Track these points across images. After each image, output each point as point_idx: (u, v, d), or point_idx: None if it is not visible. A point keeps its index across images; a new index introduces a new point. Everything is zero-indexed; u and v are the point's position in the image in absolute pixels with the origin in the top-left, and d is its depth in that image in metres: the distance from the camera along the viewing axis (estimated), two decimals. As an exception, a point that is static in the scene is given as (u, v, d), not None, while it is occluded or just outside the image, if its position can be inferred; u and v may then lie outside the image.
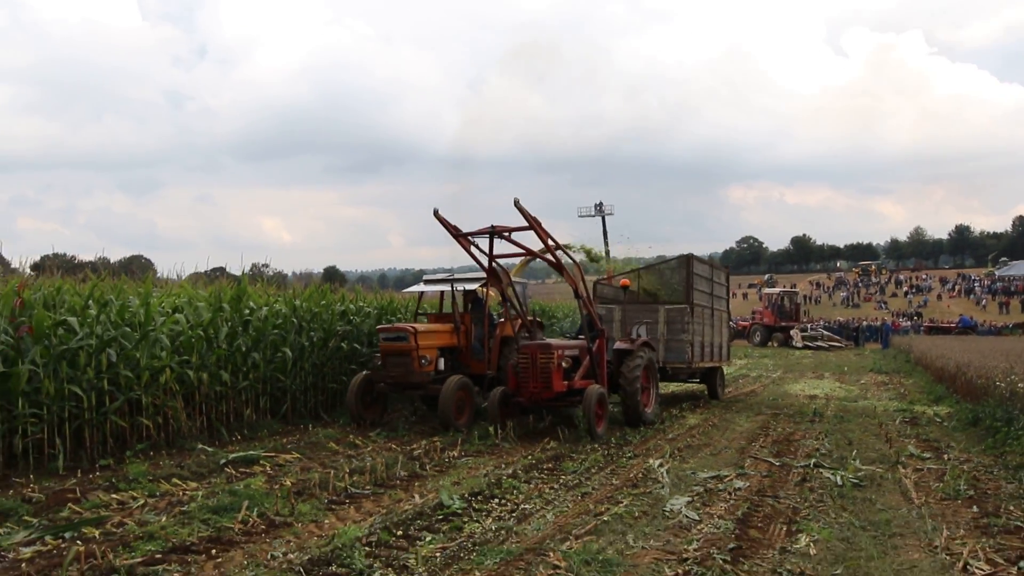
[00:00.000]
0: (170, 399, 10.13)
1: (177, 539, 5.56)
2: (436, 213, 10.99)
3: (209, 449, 9.22)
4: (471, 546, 5.45)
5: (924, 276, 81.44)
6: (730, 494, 7.18)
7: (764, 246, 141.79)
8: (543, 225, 10.65)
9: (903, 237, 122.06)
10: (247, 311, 11.69)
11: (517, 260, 16.03)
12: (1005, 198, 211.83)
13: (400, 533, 5.76)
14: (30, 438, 8.43)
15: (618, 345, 12.03)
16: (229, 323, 11.33)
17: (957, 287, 72.35)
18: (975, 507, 6.64)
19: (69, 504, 6.68)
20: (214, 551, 5.34)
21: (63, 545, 5.49)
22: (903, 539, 5.72)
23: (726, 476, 7.95)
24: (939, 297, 69.26)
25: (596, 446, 9.74)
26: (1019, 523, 6.06)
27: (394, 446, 9.67)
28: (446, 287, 13.08)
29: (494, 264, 11.37)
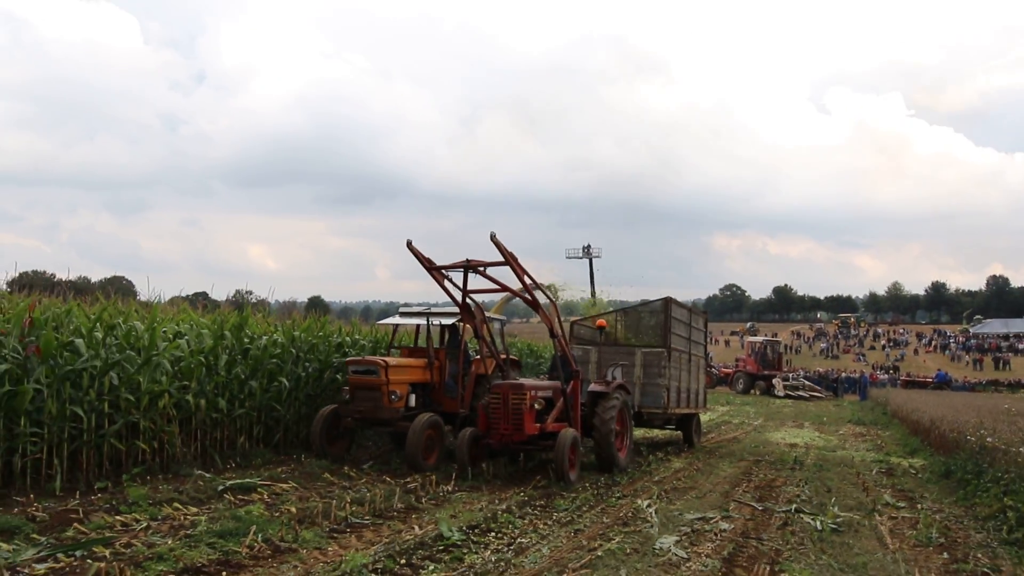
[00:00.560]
0: (167, 424, 10.29)
1: (187, 561, 5.76)
2: (409, 244, 10.68)
3: (207, 475, 9.37)
4: None
5: (901, 330, 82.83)
6: (716, 535, 7.48)
7: (747, 294, 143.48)
8: (519, 261, 10.27)
9: (881, 291, 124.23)
10: (247, 340, 11.92)
11: (499, 296, 16.28)
12: (980, 257, 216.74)
13: (403, 562, 6.00)
14: (29, 457, 8.57)
15: (593, 387, 11.70)
16: (229, 351, 11.55)
17: (933, 342, 73.65)
18: (946, 554, 6.98)
19: (74, 524, 6.84)
20: (224, 574, 5.55)
21: (75, 563, 5.67)
22: (879, 582, 6.04)
23: (712, 518, 8.25)
24: (916, 351, 70.44)
25: (587, 485, 9.99)
26: (986, 570, 6.41)
27: (388, 478, 9.86)
28: (422, 321, 12.73)
29: (468, 299, 11.02)
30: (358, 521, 7.35)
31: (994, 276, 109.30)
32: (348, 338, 14.47)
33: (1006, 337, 69.26)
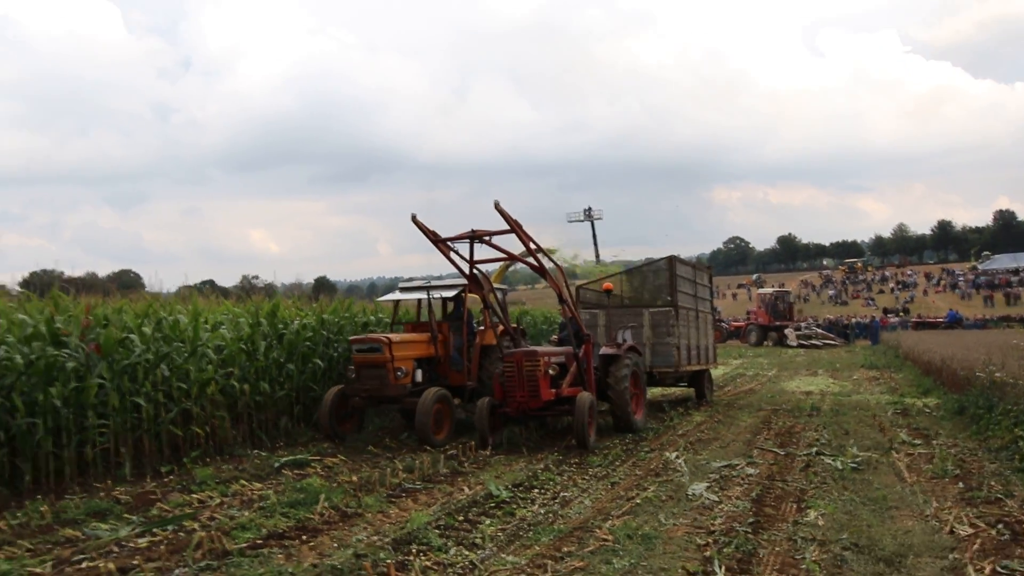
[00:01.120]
0: (217, 409, 10.91)
1: (269, 528, 6.37)
2: (414, 218, 10.56)
3: (262, 454, 9.98)
4: (526, 527, 6.29)
5: (909, 272, 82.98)
6: (743, 479, 8.04)
7: (751, 246, 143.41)
8: (524, 228, 10.26)
9: (887, 234, 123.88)
10: (281, 325, 12.48)
11: (496, 265, 16.44)
12: (985, 192, 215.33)
13: (461, 518, 6.58)
14: (99, 447, 9.20)
15: (604, 350, 11.69)
16: (266, 337, 12.12)
17: (942, 282, 73.85)
18: (961, 484, 7.53)
19: (156, 504, 7.46)
20: (304, 537, 6.14)
21: (170, 536, 6.27)
22: (898, 511, 6.60)
23: (737, 464, 8.81)
24: (925, 292, 70.70)
25: (615, 442, 10.57)
26: (999, 495, 6.94)
27: (428, 448, 10.46)
28: (422, 295, 12.63)
29: (475, 270, 11.03)
30: (411, 486, 7.95)
31: (1000, 211, 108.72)
32: (373, 317, 15.02)
33: (1016, 272, 69.37)
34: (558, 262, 12.33)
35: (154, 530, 6.47)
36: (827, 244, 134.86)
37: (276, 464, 9.39)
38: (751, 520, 6.36)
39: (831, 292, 76.55)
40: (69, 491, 8.17)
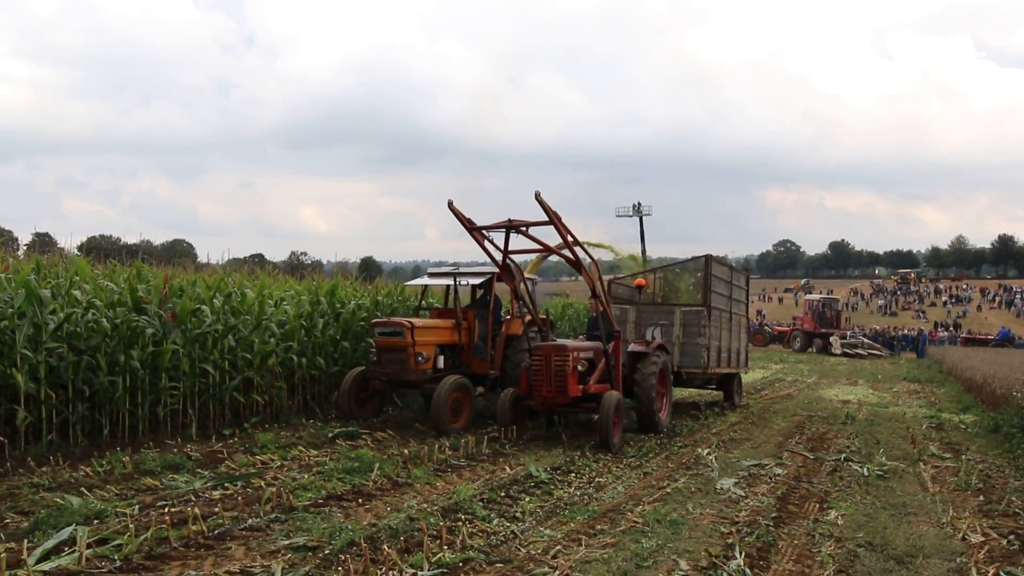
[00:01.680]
0: (276, 380, 11.67)
1: (328, 490, 7.01)
2: (450, 204, 10.42)
3: (318, 424, 10.68)
4: (563, 506, 6.81)
5: (964, 286, 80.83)
6: (770, 478, 8.42)
7: (801, 250, 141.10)
8: (563, 220, 10.06)
9: (944, 245, 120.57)
10: (338, 305, 13.19)
11: (532, 258, 16.61)
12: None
13: (503, 494, 7.13)
14: (168, 408, 10.00)
15: (632, 347, 11.57)
16: (324, 315, 12.84)
17: (998, 298, 71.83)
18: (981, 497, 7.79)
19: (224, 462, 8.18)
20: (360, 500, 6.76)
21: (240, 490, 6.96)
22: (916, 517, 6.92)
23: (766, 464, 9.18)
24: (979, 308, 68.89)
25: (648, 436, 10.99)
26: (1018, 511, 7.20)
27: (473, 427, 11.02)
28: (450, 281, 12.53)
29: (508, 260, 10.86)
30: (456, 463, 8.53)
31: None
32: (425, 302, 15.64)
33: (1076, 293, 67.08)
34: (593, 255, 12.58)
35: (225, 484, 7.17)
36: (881, 252, 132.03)
37: (330, 434, 10.08)
38: (774, 515, 6.76)
39: (881, 302, 75.12)
40: (143, 446, 8.97)
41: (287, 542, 5.49)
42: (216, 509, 6.21)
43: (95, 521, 5.84)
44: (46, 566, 4.84)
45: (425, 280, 13.19)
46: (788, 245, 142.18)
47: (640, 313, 14.11)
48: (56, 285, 9.00)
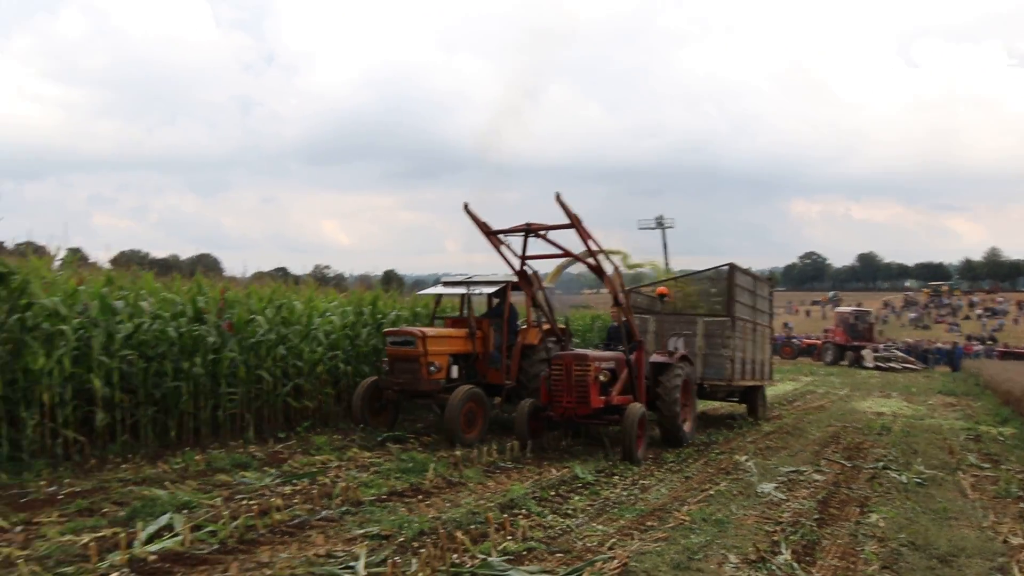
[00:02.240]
0: (324, 386, 12.15)
1: (389, 487, 7.43)
2: (466, 207, 10.09)
3: (368, 428, 11.12)
4: (611, 504, 7.16)
5: (1000, 299, 79.52)
6: (809, 483, 8.68)
7: (828, 262, 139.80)
8: (584, 225, 9.68)
9: (978, 257, 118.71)
10: (380, 316, 13.67)
11: (553, 264, 16.11)
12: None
13: (553, 493, 7.50)
14: (227, 412, 10.51)
15: (655, 358, 11.26)
16: (367, 325, 13.33)
17: (1034, 312, 70.60)
18: (1022, 504, 7.98)
19: (287, 461, 8.65)
20: (420, 497, 7.17)
21: (307, 487, 7.40)
22: (956, 521, 7.15)
23: (805, 471, 9.43)
24: (1016, 321, 67.77)
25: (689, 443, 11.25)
26: (1056, 516, 7.40)
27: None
28: (464, 290, 12.36)
29: (525, 266, 10.48)
30: (504, 465, 8.91)
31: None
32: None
33: (1115, 307, 65.76)
34: (615, 262, 11.84)
35: (292, 481, 7.62)
36: (911, 264, 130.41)
37: (379, 437, 10.51)
38: (816, 517, 7.04)
39: (912, 315, 74.22)
40: (209, 446, 9.47)
41: (361, 531, 5.91)
42: (293, 502, 6.65)
43: (184, 511, 6.30)
44: (152, 547, 5.30)
45: (439, 289, 13.07)
46: (814, 257, 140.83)
47: (661, 323, 13.75)
48: (125, 297, 9.57)
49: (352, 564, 5.14)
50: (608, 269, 10.42)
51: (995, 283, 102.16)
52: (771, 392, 21.76)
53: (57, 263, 9.20)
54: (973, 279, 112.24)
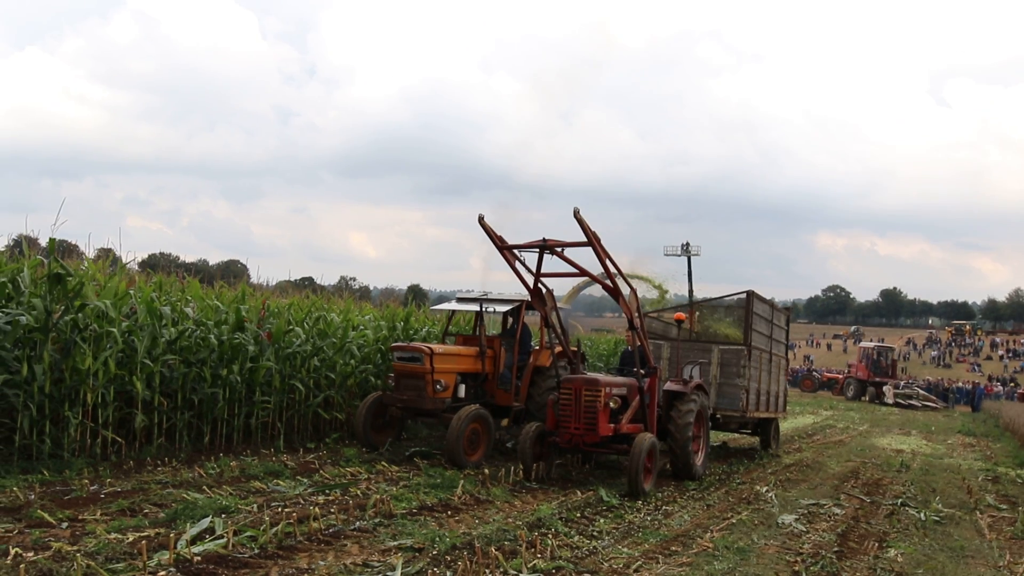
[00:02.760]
0: (354, 399, 12.43)
1: (419, 502, 7.67)
2: (481, 220, 9.82)
3: (397, 443, 11.37)
4: (636, 528, 7.35)
5: (1023, 340, 78.52)
6: (829, 517, 8.80)
7: (851, 296, 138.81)
8: (603, 243, 9.47)
9: (1002, 297, 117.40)
10: (412, 331, 13.98)
11: (570, 284, 16.07)
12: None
13: (579, 514, 7.70)
14: (260, 420, 10.82)
15: (668, 386, 10.83)
16: (399, 340, 13.63)
17: (1058, 355, 69.61)
18: (1040, 546, 8.05)
19: (319, 471, 8.92)
20: (449, 512, 7.40)
21: (339, 498, 7.66)
22: (973, 560, 7.26)
23: (824, 504, 9.54)
24: (1038, 364, 66.84)
25: (711, 469, 11.38)
26: (1075, 561, 7.47)
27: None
28: (478, 307, 12.10)
29: (540, 284, 10.15)
30: (530, 485, 9.11)
31: None
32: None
33: None
34: (632, 284, 11.08)
35: (325, 491, 7.89)
36: (934, 302, 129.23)
37: (407, 452, 10.75)
38: (836, 549, 7.17)
39: (934, 353, 73.45)
40: (242, 453, 9.76)
41: (395, 543, 6.15)
42: (329, 511, 6.90)
43: (223, 515, 6.58)
44: (196, 548, 5.57)
45: (453, 305, 12.77)
46: (838, 291, 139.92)
47: (675, 349, 13.06)
48: (172, 303, 9.94)
49: (389, 574, 5.38)
50: (625, 291, 10.15)
51: (1019, 324, 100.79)
52: (790, 425, 21.85)
53: (111, 269, 9.56)
54: (996, 319, 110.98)
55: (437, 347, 11.12)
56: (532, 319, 13.12)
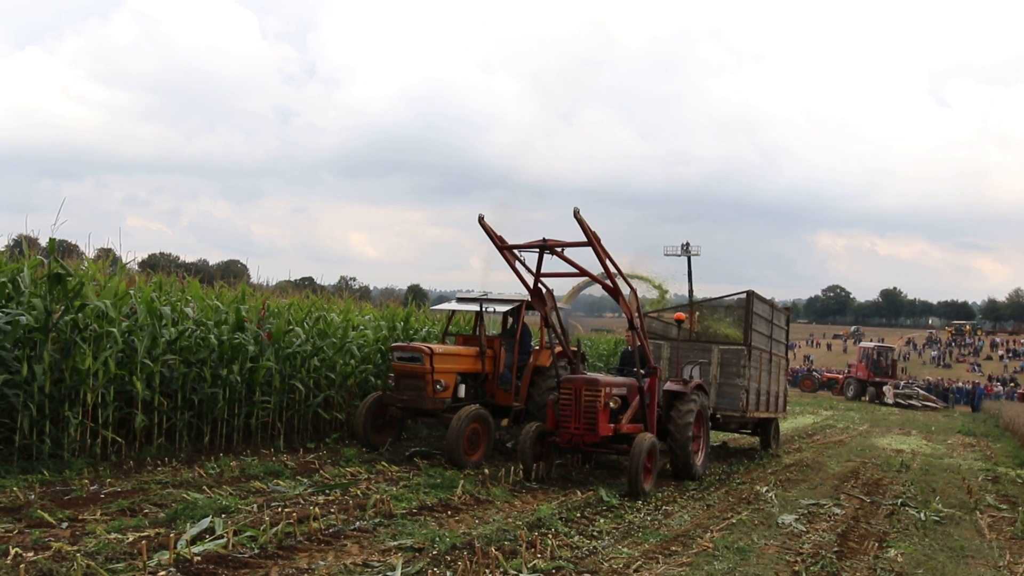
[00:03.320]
0: (353, 399, 12.43)
1: (419, 502, 7.67)
2: (481, 220, 9.80)
3: (397, 443, 11.37)
4: (636, 528, 7.35)
5: (1023, 340, 78.52)
6: (829, 517, 8.80)
7: (851, 296, 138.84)
8: (603, 243, 9.42)
9: (1002, 297, 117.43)
10: (412, 332, 13.97)
11: (570, 284, 16.04)
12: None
13: (579, 514, 7.70)
14: (260, 420, 10.82)
15: (669, 386, 10.77)
16: (399, 340, 13.62)
17: (1058, 355, 69.63)
18: (1040, 546, 8.06)
19: (319, 471, 8.91)
20: (449, 512, 7.40)
21: (339, 498, 7.65)
22: (973, 560, 7.26)
23: (824, 504, 9.53)
24: (1038, 364, 66.85)
25: (711, 469, 11.37)
26: (1075, 560, 7.47)
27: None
28: (478, 307, 12.09)
29: (540, 283, 10.12)
30: (530, 485, 9.11)
31: None
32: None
33: None
34: (633, 284, 10.99)
35: (325, 491, 7.88)
36: (934, 302, 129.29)
37: (407, 452, 10.75)
38: (836, 549, 7.17)
39: (934, 353, 73.46)
40: (242, 453, 9.76)
41: (395, 543, 6.15)
42: (329, 511, 6.90)
43: (223, 515, 6.58)
44: (196, 548, 5.57)
45: (453, 305, 12.75)
46: (838, 291, 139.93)
47: (675, 350, 12.95)
48: (172, 303, 9.94)
49: (389, 574, 5.38)
50: (625, 291, 10.11)
51: (1019, 324, 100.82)
52: (790, 425, 21.85)
53: (111, 269, 9.56)
54: (996, 319, 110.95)
55: (437, 347, 11.11)
56: (532, 319, 13.09)
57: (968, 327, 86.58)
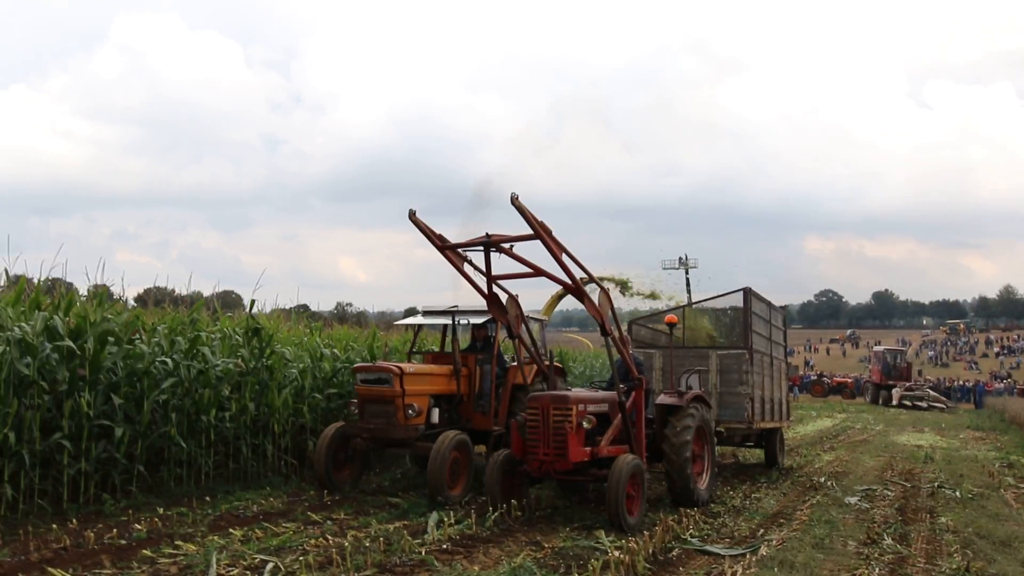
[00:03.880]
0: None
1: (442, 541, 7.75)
2: (412, 215, 8.74)
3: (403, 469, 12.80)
4: (735, 510, 9.35)
5: (1016, 337, 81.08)
6: (884, 497, 10.83)
7: (844, 300, 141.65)
8: (554, 235, 8.08)
9: (992, 294, 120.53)
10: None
11: (548, 294, 14.92)
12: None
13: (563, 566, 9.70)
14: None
15: (661, 399, 9.56)
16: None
17: (1051, 350, 72.12)
18: (1056, 511, 10.11)
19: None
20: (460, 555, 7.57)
21: (360, 535, 7.42)
22: (1007, 521, 9.29)
23: (875, 489, 11.55)
24: (1032, 359, 69.29)
25: (774, 468, 13.37)
26: (1086, 520, 9.52)
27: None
28: (447, 320, 10.93)
29: (496, 288, 8.87)
30: (541, 513, 8.88)
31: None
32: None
33: None
34: (602, 284, 9.63)
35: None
36: (926, 302, 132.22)
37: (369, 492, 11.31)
38: (899, 519, 9.20)
39: (931, 353, 75.86)
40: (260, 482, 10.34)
41: None
42: None
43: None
44: (437, 534, 7.51)
45: (419, 319, 11.46)
46: (830, 295, 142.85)
47: (668, 358, 11.42)
48: (330, 346, 11.92)
49: None
50: (593, 292, 8.72)
51: (1011, 321, 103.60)
52: (812, 428, 23.93)
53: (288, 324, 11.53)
54: (988, 316, 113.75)
55: (408, 366, 9.98)
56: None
57: (962, 326, 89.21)
